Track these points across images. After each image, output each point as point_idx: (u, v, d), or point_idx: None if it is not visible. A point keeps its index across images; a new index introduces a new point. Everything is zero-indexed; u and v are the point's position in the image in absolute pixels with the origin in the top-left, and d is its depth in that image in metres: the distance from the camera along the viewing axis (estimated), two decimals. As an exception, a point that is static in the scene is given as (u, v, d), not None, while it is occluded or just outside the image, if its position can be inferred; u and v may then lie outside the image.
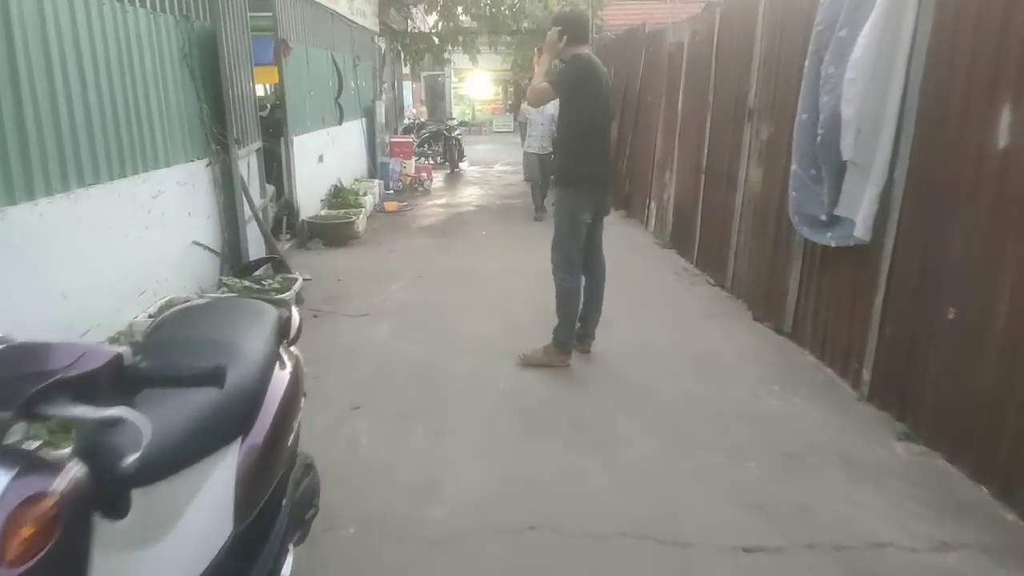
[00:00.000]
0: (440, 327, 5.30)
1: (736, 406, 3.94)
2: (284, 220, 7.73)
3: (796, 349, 4.77)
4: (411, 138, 13.75)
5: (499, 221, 9.71)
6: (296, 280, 5.65)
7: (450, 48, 17.76)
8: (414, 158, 13.63)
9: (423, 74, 28.49)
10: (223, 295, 2.14)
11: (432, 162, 17.22)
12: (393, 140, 13.06)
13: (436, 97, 34.53)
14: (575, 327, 4.62)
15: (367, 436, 3.64)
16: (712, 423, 3.73)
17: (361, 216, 8.64)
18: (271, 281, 5.46)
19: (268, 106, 8.51)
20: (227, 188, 5.64)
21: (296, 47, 8.00)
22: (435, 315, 5.59)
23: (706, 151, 6.87)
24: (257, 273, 5.81)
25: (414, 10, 17.83)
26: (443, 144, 15.96)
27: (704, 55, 6.95)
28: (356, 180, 11.03)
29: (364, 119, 11.92)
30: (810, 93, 4.35)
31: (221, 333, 2.09)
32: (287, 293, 5.20)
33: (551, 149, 9.25)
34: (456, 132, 15.60)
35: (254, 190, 6.40)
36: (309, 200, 8.43)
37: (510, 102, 30.91)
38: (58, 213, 3.55)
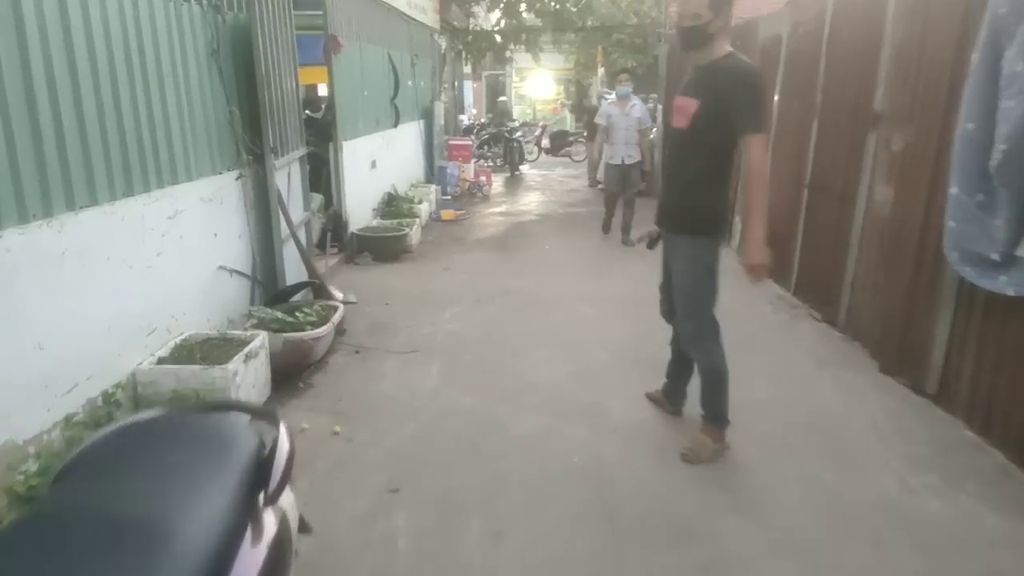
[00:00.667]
0: (499, 370, 4.47)
1: (885, 508, 2.97)
2: (328, 233, 7.03)
3: (946, 418, 3.75)
4: (470, 140, 12.96)
5: (563, 233, 8.83)
6: (337, 309, 4.90)
7: (512, 46, 16.94)
8: (473, 161, 12.87)
9: (484, 73, 27.80)
10: (180, 411, 1.53)
11: (492, 165, 16.50)
12: (452, 142, 12.31)
13: (497, 96, 33.83)
14: (728, 401, 3.46)
15: (406, 536, 2.82)
16: (858, 537, 2.78)
17: (415, 228, 7.89)
18: (308, 310, 4.72)
19: (323, 107, 7.85)
20: (261, 204, 4.93)
21: (348, 44, 7.30)
22: (493, 353, 4.76)
23: (810, 162, 5.84)
24: (295, 298, 5.09)
25: (476, 8, 17.10)
26: (504, 146, 15.15)
27: (810, 49, 5.92)
28: (412, 186, 10.31)
29: (422, 121, 11.20)
30: (981, 97, 3.33)
31: (158, 488, 1.29)
32: (322, 328, 4.44)
33: (638, 157, 8.09)
34: (518, 134, 14.75)
35: (295, 203, 5.70)
36: (360, 209, 7.73)
37: (570, 102, 29.96)
38: (33, 245, 2.85)
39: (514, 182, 13.79)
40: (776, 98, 6.65)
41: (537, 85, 27.75)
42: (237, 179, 4.56)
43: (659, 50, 12.73)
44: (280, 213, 5.00)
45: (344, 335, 5.06)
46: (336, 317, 4.75)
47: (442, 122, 12.47)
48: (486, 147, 16.57)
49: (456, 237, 8.59)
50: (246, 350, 3.75)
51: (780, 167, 6.48)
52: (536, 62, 16.91)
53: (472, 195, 11.72)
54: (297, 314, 4.50)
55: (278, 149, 5.08)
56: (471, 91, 24.85)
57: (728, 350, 3.45)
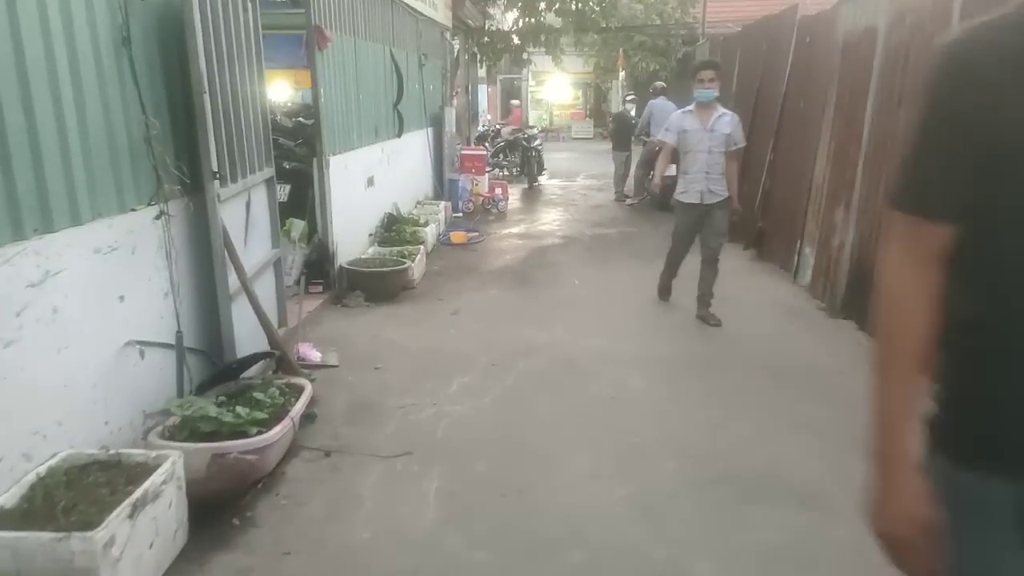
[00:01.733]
0: (524, 496, 3.07)
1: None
2: (304, 271, 5.69)
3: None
4: (484, 150, 11.58)
5: (593, 262, 7.44)
6: (302, 390, 3.55)
7: (530, 48, 15.57)
8: (487, 172, 11.51)
9: (499, 77, 26.46)
10: None
11: (507, 173, 15.13)
12: (464, 152, 10.95)
13: (510, 100, 32.45)
14: None
15: None
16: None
17: (418, 258, 6.52)
18: (262, 395, 3.37)
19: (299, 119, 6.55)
20: (199, 249, 3.59)
21: (340, 39, 5.96)
22: (515, 461, 3.37)
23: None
24: (249, 375, 3.74)
25: (492, 9, 15.77)
26: (520, 155, 13.77)
27: (923, 44, 4.51)
28: (418, 203, 8.96)
29: (430, 129, 9.85)
30: None
31: None
32: (273, 432, 3.07)
33: (725, 192, 5.33)
34: (536, 142, 13.36)
35: (259, 240, 4.35)
36: (351, 237, 6.38)
37: (590, 106, 28.55)
38: None
39: (532, 195, 12.41)
40: (869, 112, 5.24)
41: (554, 89, 26.34)
42: (157, 218, 3.20)
43: (697, 48, 11.29)
44: (228, 259, 3.65)
45: (314, 422, 3.70)
46: (300, 405, 3.39)
47: (454, 130, 11.12)
48: (501, 155, 15.22)
49: (468, 266, 7.22)
50: (137, 494, 2.40)
51: (878, 194, 5.07)
52: (556, 64, 15.53)
53: (487, 212, 10.34)
54: (240, 409, 3.14)
55: (227, 173, 3.73)
56: (485, 96, 23.54)
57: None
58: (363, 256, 6.39)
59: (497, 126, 17.53)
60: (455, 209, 9.95)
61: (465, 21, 13.47)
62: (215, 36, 3.65)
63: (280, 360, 3.84)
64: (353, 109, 6.43)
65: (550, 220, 9.86)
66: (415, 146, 8.97)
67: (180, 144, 3.45)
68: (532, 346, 4.86)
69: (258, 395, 3.38)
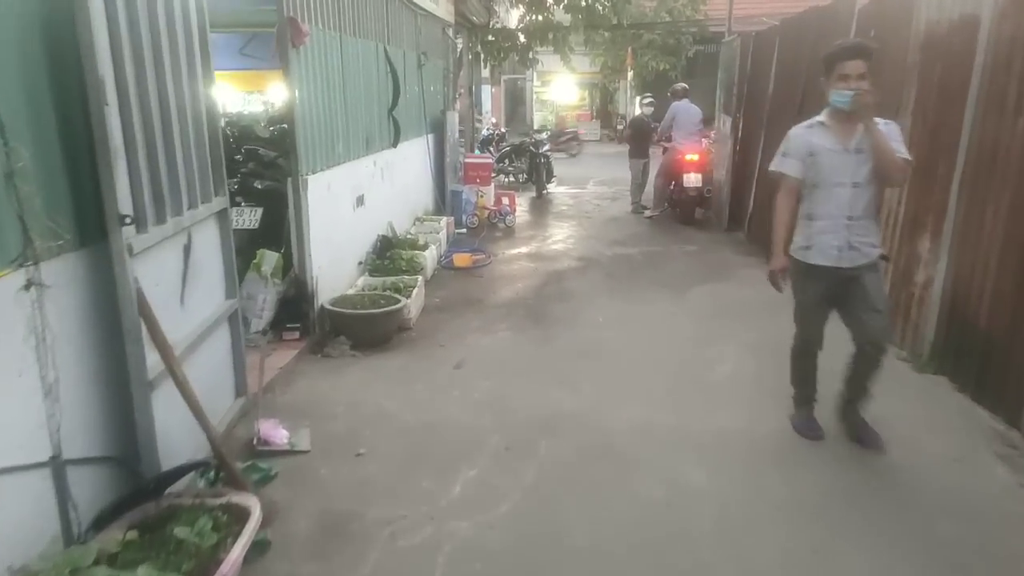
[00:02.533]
0: None
1: None
2: (272, 311, 4.69)
3: None
4: (490, 157, 10.54)
5: (617, 292, 6.40)
6: (249, 515, 2.53)
7: (536, 47, 14.51)
8: (493, 182, 10.48)
9: (503, 78, 25.43)
10: None
11: (513, 180, 14.10)
12: (468, 160, 9.93)
13: (516, 103, 31.38)
14: None
15: None
16: None
17: (416, 291, 5.49)
18: (184, 531, 2.36)
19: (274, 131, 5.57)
20: (104, 320, 2.57)
21: (320, 34, 4.94)
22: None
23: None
24: (178, 488, 2.73)
25: (497, 6, 14.74)
26: (528, 161, 12.73)
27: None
28: (417, 220, 7.94)
29: (431, 135, 8.83)
30: None
31: None
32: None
33: (877, 246, 3.46)
34: (545, 148, 12.30)
35: (205, 292, 3.34)
36: (338, 267, 5.38)
37: (596, 107, 27.47)
38: None
39: (542, 206, 11.36)
40: (968, 120, 4.20)
41: (560, 90, 25.27)
42: (26, 288, 2.18)
43: (723, 45, 10.28)
44: (145, 333, 2.63)
45: (264, 553, 2.69)
46: (238, 550, 2.37)
47: (456, 135, 10.10)
48: (507, 161, 14.20)
49: (472, 299, 6.19)
50: None
51: (981, 222, 4.03)
52: (565, 63, 14.48)
53: (493, 226, 9.32)
54: (143, 573, 2.12)
55: (150, 214, 2.72)
56: (489, 97, 22.50)
57: None
58: (350, 292, 5.36)
59: (501, 129, 16.51)
60: (458, 224, 8.93)
61: (469, 17, 12.45)
62: (131, 27, 2.63)
63: (219, 469, 2.81)
64: (339, 117, 5.42)
65: (563, 237, 8.83)
66: (413, 156, 7.96)
67: (77, 178, 2.43)
68: (555, 417, 3.83)
69: (181, 532, 2.36)
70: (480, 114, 20.24)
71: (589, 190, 13.31)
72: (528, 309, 5.88)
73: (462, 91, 12.48)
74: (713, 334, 5.13)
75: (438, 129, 9.05)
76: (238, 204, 5.11)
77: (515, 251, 8.00)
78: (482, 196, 9.50)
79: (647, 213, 9.93)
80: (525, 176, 13.45)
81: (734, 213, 8.87)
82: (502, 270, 7.20)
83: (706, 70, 25.53)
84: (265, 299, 4.79)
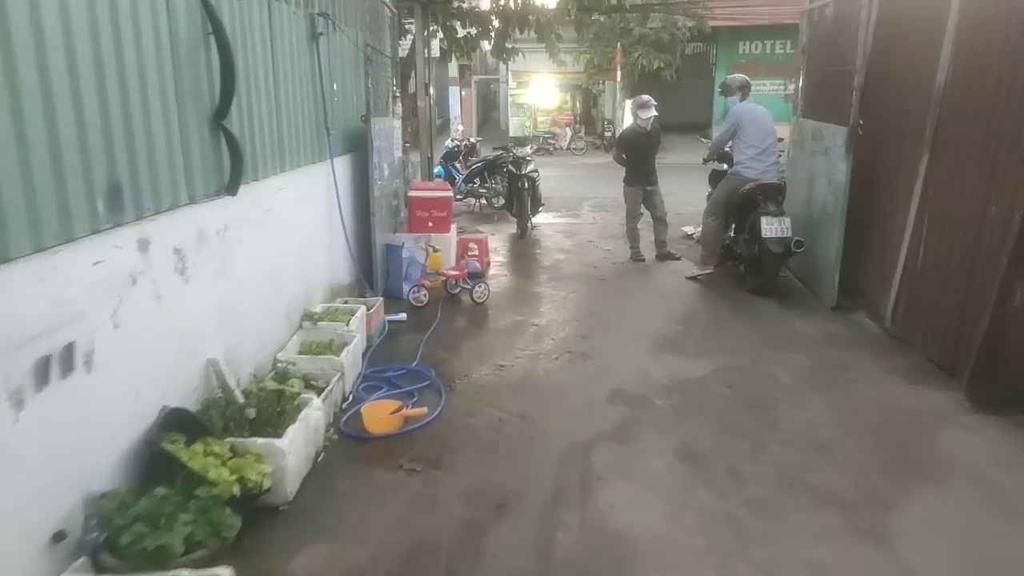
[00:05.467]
0: None
1: None
2: None
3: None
4: (446, 189, 6.61)
5: (728, 520, 2.67)
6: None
7: (514, 34, 10.66)
8: (454, 225, 6.70)
9: (474, 78, 21.60)
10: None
11: (485, 204, 10.33)
12: (415, 194, 6.10)
13: (489, 107, 27.53)
14: None
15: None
16: None
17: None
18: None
19: None
20: None
21: None
22: None
23: None
24: None
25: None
26: (508, 186, 8.93)
27: None
28: (307, 320, 4.10)
29: (342, 159, 5.02)
30: None
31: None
32: None
33: None
34: (530, 168, 8.44)
35: None
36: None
37: (578, 112, 23.74)
38: None
39: (526, 252, 7.56)
40: None
41: (539, 92, 21.47)
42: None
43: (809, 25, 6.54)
44: None
45: None
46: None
47: (398, 155, 6.30)
48: (477, 181, 10.42)
49: (381, 541, 2.42)
50: None
51: None
52: (552, 56, 10.67)
53: (453, 299, 5.54)
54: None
55: None
56: (459, 100, 18.68)
57: None
58: None
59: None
60: (396, 296, 5.14)
61: (421, -11, 8.63)
62: None
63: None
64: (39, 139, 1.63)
65: (568, 328, 4.99)
66: (298, 202, 4.10)
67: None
68: None
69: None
70: (448, 121, 16.44)
71: (586, 219, 9.58)
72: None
73: (431, 91, 8.65)
74: None
75: (357, 147, 5.23)
76: None
77: (485, 376, 4.13)
78: (435, 251, 5.70)
79: (693, 272, 6.21)
80: (501, 203, 9.71)
81: (850, 281, 5.21)
82: (459, 437, 3.39)
83: (697, 71, 22.21)
84: None
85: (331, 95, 4.64)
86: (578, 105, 23.84)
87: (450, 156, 10.91)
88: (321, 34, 4.41)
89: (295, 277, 4.01)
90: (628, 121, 17.92)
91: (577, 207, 10.58)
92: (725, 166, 6.33)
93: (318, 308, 4.28)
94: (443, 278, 5.55)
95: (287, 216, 3.87)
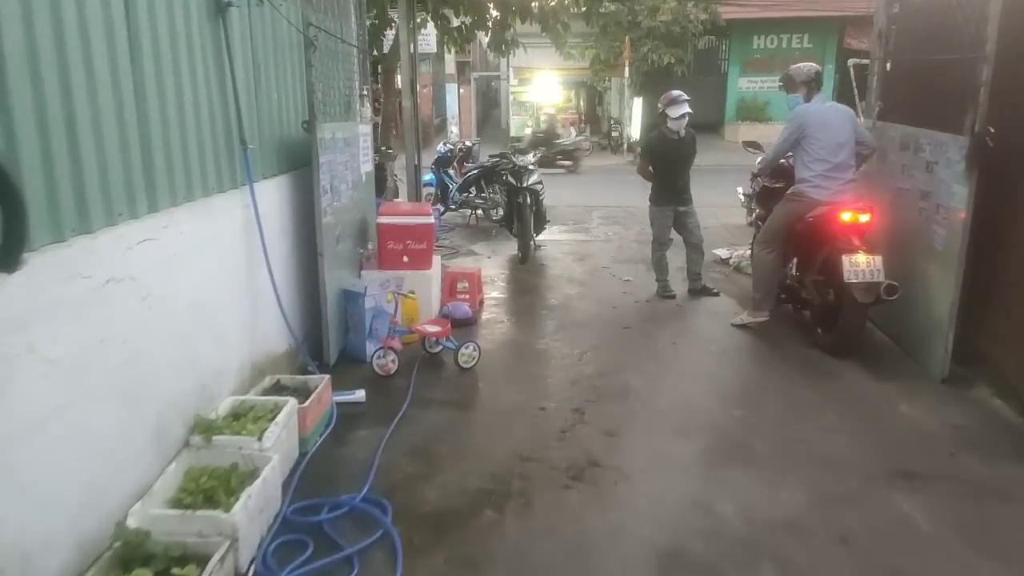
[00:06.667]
0: None
1: None
2: None
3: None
4: (428, 214, 5.03)
5: None
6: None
7: (514, 22, 9.18)
8: (439, 258, 5.30)
9: (473, 75, 20.12)
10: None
11: (482, 215, 8.94)
12: (384, 220, 4.65)
13: (490, 105, 26.06)
14: None
15: None
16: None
17: None
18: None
19: None
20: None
21: None
22: None
23: None
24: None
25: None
26: (507, 199, 7.49)
27: None
28: (200, 431, 2.66)
29: (281, 179, 3.61)
30: None
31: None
32: None
33: None
34: (533, 178, 6.96)
35: None
36: None
37: (582, 111, 22.27)
38: None
39: (530, 283, 6.12)
40: None
41: (541, 89, 19.98)
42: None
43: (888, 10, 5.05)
44: None
45: None
46: None
47: (367, 168, 4.88)
48: (473, 190, 9.01)
49: None
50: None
51: None
52: (559, 48, 9.19)
53: (432, 362, 4.13)
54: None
55: None
56: (456, 98, 17.20)
57: None
58: None
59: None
60: (359, 355, 3.74)
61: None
62: None
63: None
64: None
65: (587, 418, 3.50)
66: (183, 253, 2.66)
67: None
68: None
69: None
70: (445, 120, 15.01)
71: (597, 234, 8.16)
72: None
73: (422, 89, 7.20)
74: None
75: (301, 163, 3.80)
76: None
77: (467, 511, 2.72)
78: (409, 296, 4.28)
79: (742, 319, 4.76)
80: (500, 215, 8.30)
81: (967, 343, 3.78)
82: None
83: (707, 67, 20.66)
84: None
85: (250, 93, 3.22)
86: (582, 103, 22.39)
87: (443, 162, 9.47)
88: (231, 5, 2.98)
89: (175, 368, 2.59)
90: (636, 120, 16.44)
91: (585, 219, 9.16)
92: (779, 182, 4.92)
93: (223, 407, 2.86)
94: (420, 334, 4.13)
95: (158, 281, 2.44)
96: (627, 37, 16.67)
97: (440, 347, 4.20)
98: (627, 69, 17.11)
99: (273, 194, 3.46)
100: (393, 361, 3.91)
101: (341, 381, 3.71)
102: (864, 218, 4.08)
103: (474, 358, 4.05)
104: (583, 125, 19.15)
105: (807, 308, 4.56)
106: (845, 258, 3.93)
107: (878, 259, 3.93)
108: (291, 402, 2.93)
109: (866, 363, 4.04)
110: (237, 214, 3.08)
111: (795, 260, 4.59)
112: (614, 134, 18.24)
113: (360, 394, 3.60)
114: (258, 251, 3.22)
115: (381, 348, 3.90)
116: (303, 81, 3.76)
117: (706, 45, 18.01)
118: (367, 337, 4.07)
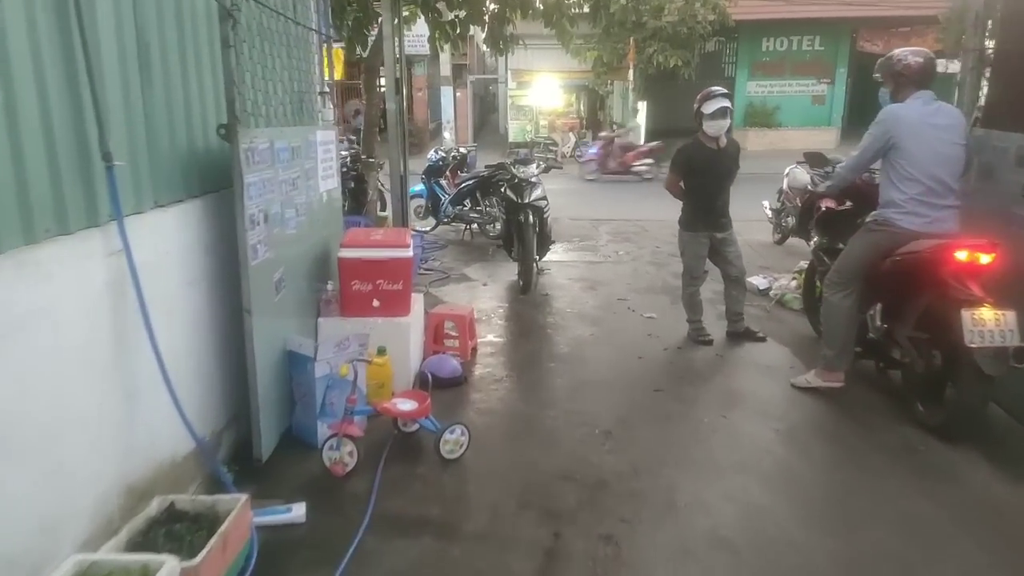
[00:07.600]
0: None
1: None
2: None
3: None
4: (406, 246, 3.91)
5: None
6: None
7: (515, 19, 8.08)
8: (419, 294, 4.21)
9: (470, 78, 19.04)
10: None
11: (478, 230, 7.88)
12: (347, 254, 3.55)
13: (487, 110, 24.97)
14: None
15: None
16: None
17: None
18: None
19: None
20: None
21: None
22: None
23: None
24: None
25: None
26: (505, 215, 6.39)
27: None
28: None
29: (187, 207, 2.52)
30: None
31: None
32: None
33: None
34: (536, 195, 5.84)
35: None
36: None
37: (584, 115, 21.19)
38: None
39: (533, 321, 5.01)
40: None
41: (541, 93, 18.89)
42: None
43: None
44: None
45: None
46: None
47: (330, 185, 3.78)
48: (467, 203, 7.93)
49: None
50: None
51: None
52: (564, 44, 8.08)
53: (406, 444, 3.04)
54: None
55: None
56: (451, 102, 16.12)
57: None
58: None
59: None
60: (310, 444, 2.65)
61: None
62: None
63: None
64: None
65: (624, 558, 2.48)
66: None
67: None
68: None
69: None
70: (440, 125, 13.93)
71: (607, 254, 7.09)
72: None
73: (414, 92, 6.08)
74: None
75: (220, 184, 2.72)
76: None
77: None
78: (375, 361, 3.17)
79: (808, 380, 3.66)
80: (497, 231, 7.24)
81: None
82: None
83: (712, 71, 19.43)
84: None
85: (127, 84, 2.13)
86: (583, 107, 21.34)
87: (434, 171, 8.39)
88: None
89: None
90: (642, 124, 15.35)
91: (593, 235, 8.10)
92: (848, 202, 3.86)
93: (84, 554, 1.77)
94: (394, 414, 3.04)
95: None
96: (631, 39, 15.62)
97: (416, 426, 3.11)
98: (631, 72, 16.06)
99: (172, 230, 2.37)
100: (351, 454, 2.82)
101: (276, 485, 2.63)
102: (985, 259, 3.00)
103: (462, 446, 2.96)
104: (583, 130, 18.08)
105: (896, 367, 3.48)
106: (966, 313, 2.84)
107: (1011, 316, 2.85)
108: (167, 565, 1.84)
109: (989, 452, 2.96)
110: (93, 266, 1.98)
111: (878, 306, 3.50)
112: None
113: (297, 511, 2.50)
114: (136, 317, 2.13)
115: (335, 436, 2.81)
116: (220, 70, 2.65)
117: (712, 47, 16.98)
118: (319, 415, 2.98)
